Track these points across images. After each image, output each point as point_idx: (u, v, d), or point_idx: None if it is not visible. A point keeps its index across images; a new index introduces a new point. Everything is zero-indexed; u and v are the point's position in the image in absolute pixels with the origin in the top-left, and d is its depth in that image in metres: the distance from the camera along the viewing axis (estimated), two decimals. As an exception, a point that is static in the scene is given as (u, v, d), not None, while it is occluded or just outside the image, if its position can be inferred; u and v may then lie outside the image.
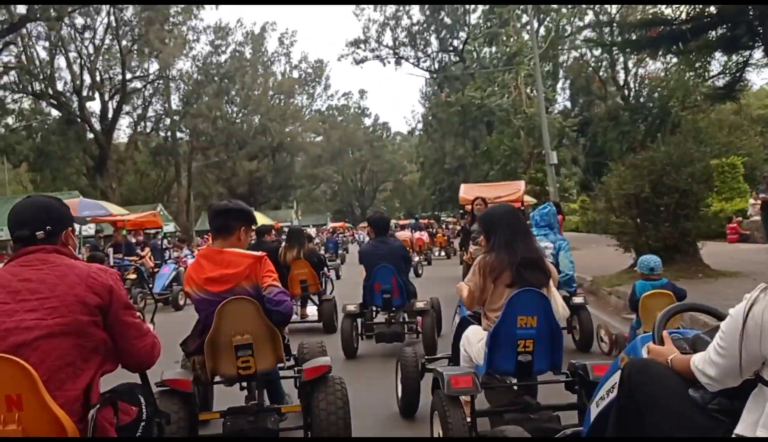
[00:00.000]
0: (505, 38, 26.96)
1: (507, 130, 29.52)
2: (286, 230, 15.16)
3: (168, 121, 48.85)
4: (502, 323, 3.37)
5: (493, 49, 33.71)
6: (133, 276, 12.93)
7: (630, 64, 31.94)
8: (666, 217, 11.02)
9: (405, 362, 4.46)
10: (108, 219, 15.92)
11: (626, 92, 31.52)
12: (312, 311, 9.02)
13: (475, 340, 3.68)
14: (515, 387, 3.66)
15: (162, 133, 49.78)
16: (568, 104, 36.39)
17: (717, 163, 23.10)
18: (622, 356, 2.59)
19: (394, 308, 6.94)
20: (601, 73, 33.43)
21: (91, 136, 42.01)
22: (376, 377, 5.95)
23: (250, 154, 55.69)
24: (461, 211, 13.09)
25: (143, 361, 2.52)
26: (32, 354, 2.11)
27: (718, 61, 29.10)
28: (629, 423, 2.24)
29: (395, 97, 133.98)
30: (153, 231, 18.97)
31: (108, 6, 39.21)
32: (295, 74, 62.59)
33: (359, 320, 7.14)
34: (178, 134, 50.25)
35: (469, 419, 3.34)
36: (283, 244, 9.09)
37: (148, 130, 48.99)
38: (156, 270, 14.38)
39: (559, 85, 35.11)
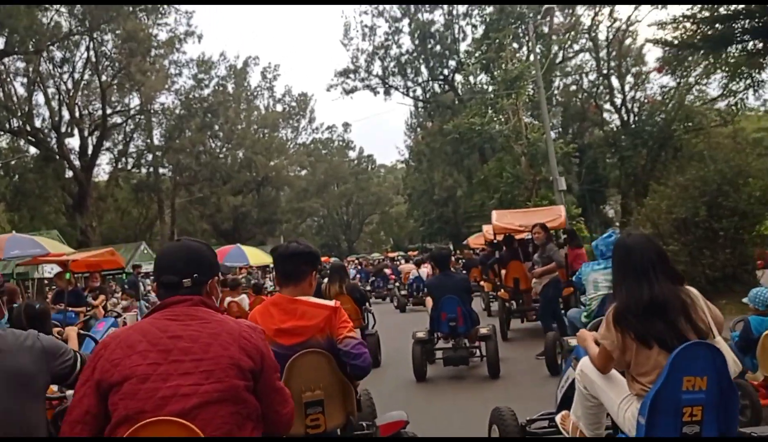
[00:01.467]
0: (504, 64, 26.13)
1: (506, 158, 28.55)
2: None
3: (150, 156, 47.45)
4: (663, 389, 2.68)
5: (487, 75, 32.97)
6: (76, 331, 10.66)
7: (627, 88, 31.30)
8: (725, 243, 9.96)
9: (504, 423, 4.11)
10: (49, 259, 12.86)
11: (625, 117, 30.80)
12: None
13: (615, 397, 3.04)
14: None
15: (144, 169, 48.30)
16: (560, 130, 35.65)
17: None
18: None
19: (458, 335, 7.77)
20: (595, 99, 32.73)
21: (70, 173, 40.48)
22: (448, 405, 6.79)
23: (234, 189, 54.31)
24: (484, 244, 11.92)
25: (284, 429, 2.39)
26: (192, 424, 1.98)
27: (717, 83, 28.88)
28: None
29: (378, 129, 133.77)
30: (113, 272, 16.94)
31: (87, 40, 38.13)
32: (279, 108, 61.96)
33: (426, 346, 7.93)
34: (161, 170, 48.84)
35: None
36: (325, 279, 9.18)
37: (129, 167, 47.48)
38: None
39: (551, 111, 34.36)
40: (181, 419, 1.94)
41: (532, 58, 29.40)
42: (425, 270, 17.30)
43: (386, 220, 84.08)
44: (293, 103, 64.33)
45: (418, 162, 58.67)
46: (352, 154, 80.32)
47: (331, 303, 3.33)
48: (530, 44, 29.49)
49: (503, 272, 10.85)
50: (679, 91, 28.50)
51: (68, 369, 2.37)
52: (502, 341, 9.30)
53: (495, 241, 11.37)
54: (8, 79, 37.04)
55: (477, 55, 28.98)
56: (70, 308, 10.80)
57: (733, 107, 25.42)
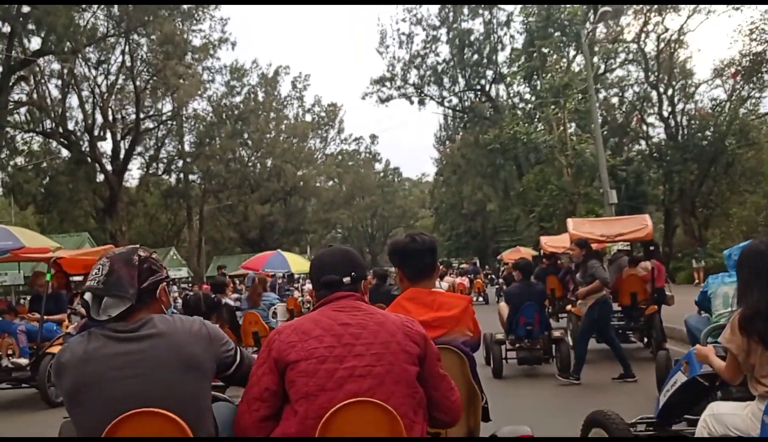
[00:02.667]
0: (549, 73, 25.30)
1: (547, 169, 27.66)
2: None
3: (180, 162, 47.26)
4: None
5: (530, 85, 32.16)
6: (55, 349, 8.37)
7: (675, 101, 30.21)
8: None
9: (613, 424, 3.95)
10: (30, 256, 9.79)
11: (673, 130, 29.69)
12: None
13: (738, 408, 3.19)
14: None
15: (174, 175, 48.13)
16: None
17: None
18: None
19: (534, 338, 8.73)
20: (640, 111, 31.65)
21: (101, 177, 40.32)
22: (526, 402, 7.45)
23: (262, 198, 53.94)
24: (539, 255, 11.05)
25: (455, 417, 2.43)
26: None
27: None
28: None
29: (404, 142, 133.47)
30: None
31: (123, 43, 38.05)
32: (308, 118, 61.62)
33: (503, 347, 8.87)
34: (191, 176, 48.61)
35: None
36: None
37: (159, 172, 47.32)
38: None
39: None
40: (372, 399, 2.01)
41: (575, 67, 28.75)
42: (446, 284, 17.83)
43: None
44: (322, 114, 64.02)
45: (449, 175, 57.96)
46: (379, 167, 79.83)
47: (466, 296, 3.31)
48: (572, 54, 28.73)
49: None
50: (732, 103, 27.46)
51: (231, 359, 2.38)
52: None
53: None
54: (43, 80, 37.04)
55: (520, 63, 28.15)
56: (48, 317, 9.04)
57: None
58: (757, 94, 26.73)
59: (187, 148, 47.92)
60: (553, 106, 24.86)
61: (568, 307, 10.84)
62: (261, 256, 19.86)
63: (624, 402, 5.67)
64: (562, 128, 24.81)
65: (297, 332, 2.24)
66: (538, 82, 27.52)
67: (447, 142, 69.56)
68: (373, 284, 9.48)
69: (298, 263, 19.48)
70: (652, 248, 9.51)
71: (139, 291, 2.23)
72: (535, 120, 27.76)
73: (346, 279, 2.38)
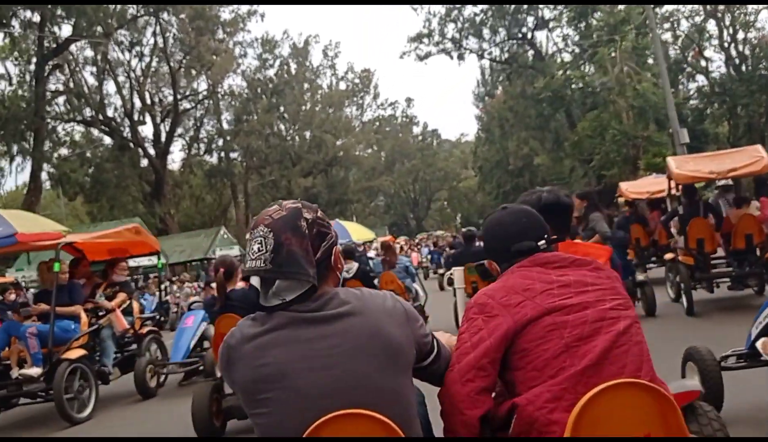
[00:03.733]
0: (599, 12, 23.75)
1: (604, 115, 26.20)
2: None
3: (221, 141, 46.97)
4: None
5: (576, 29, 30.52)
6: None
7: (731, 30, 28.23)
8: None
9: (702, 360, 4.25)
10: (37, 245, 7.84)
11: (736, 61, 27.80)
12: None
13: None
14: None
15: (215, 154, 47.90)
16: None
17: None
18: None
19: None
20: (698, 44, 29.72)
21: (145, 162, 40.21)
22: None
23: (304, 171, 53.57)
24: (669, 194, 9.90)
25: None
26: (631, 348, 1.90)
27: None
28: None
29: (441, 104, 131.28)
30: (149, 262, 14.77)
31: (154, 24, 37.54)
32: (342, 86, 60.81)
33: None
34: (232, 154, 48.32)
35: None
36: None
37: (201, 152, 47.13)
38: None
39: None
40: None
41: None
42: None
43: (454, 195, 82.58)
44: (356, 80, 63.13)
45: (492, 131, 56.45)
46: (416, 130, 78.79)
47: (606, 246, 3.33)
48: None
49: (673, 231, 8.98)
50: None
51: (429, 345, 1.96)
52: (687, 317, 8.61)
53: (672, 193, 9.39)
54: (78, 68, 36.80)
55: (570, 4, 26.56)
56: (59, 309, 7.39)
57: None
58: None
59: (225, 126, 47.62)
60: (607, 47, 23.38)
61: (668, 255, 9.83)
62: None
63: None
64: (618, 69, 23.30)
65: (515, 291, 1.98)
66: (586, 22, 25.97)
67: (486, 98, 67.92)
68: (463, 246, 10.09)
69: (358, 231, 19.16)
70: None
71: (316, 265, 1.80)
72: (585, 63, 26.23)
73: (542, 243, 2.12)
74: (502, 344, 1.92)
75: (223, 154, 47.38)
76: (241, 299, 5.47)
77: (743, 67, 27.62)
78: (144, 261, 26.46)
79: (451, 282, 8.45)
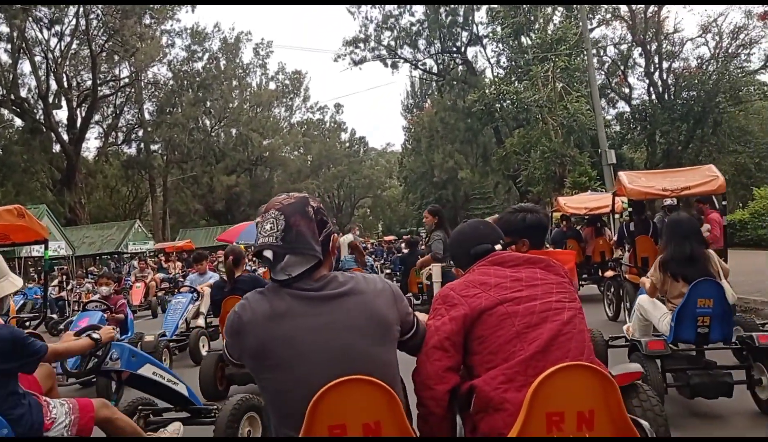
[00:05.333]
0: (536, 30, 24.10)
1: (532, 132, 26.61)
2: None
3: (141, 132, 44.99)
4: (685, 304, 4.58)
5: (505, 46, 31.01)
6: None
7: (656, 59, 29.38)
8: None
9: (594, 340, 5.46)
10: None
11: (660, 89, 28.88)
12: None
13: (658, 314, 4.99)
14: (695, 352, 4.78)
15: (134, 145, 45.85)
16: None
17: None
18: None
19: None
20: (623, 71, 30.74)
21: (57, 147, 37.95)
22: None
23: (228, 169, 52.12)
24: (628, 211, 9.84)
25: None
26: (574, 335, 2.14)
27: (762, 50, 27.32)
28: None
29: (369, 112, 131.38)
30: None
31: (77, 5, 35.54)
32: (272, 86, 59.89)
33: None
34: (152, 146, 46.35)
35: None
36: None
37: (119, 142, 44.97)
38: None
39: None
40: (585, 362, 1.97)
41: (556, 23, 27.61)
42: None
43: (378, 203, 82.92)
44: (287, 82, 62.33)
45: (419, 142, 56.82)
46: (344, 137, 78.68)
47: (571, 251, 4.71)
48: (550, 11, 27.57)
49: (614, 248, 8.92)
50: (722, 59, 26.78)
51: (411, 321, 2.24)
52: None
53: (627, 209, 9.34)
54: (-9, 44, 34.45)
55: (503, 20, 26.84)
56: None
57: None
58: (745, 51, 26.07)
59: (147, 116, 45.71)
60: (541, 64, 23.76)
61: (608, 273, 9.76)
62: (237, 227, 18.64)
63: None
64: (551, 87, 23.71)
65: (474, 285, 2.26)
66: (523, 39, 26.35)
67: (415, 110, 68.41)
68: (405, 252, 11.33)
69: None
70: (724, 202, 8.35)
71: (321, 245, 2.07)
72: (517, 80, 26.57)
73: (498, 247, 2.41)
74: (461, 328, 2.18)
75: (142, 145, 45.44)
76: (247, 282, 6.20)
77: (666, 96, 28.71)
78: (50, 252, 24.95)
79: (430, 278, 8.30)
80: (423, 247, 8.84)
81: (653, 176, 8.52)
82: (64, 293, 17.60)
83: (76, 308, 16.69)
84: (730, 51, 27.01)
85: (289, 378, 1.95)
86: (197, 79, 47.70)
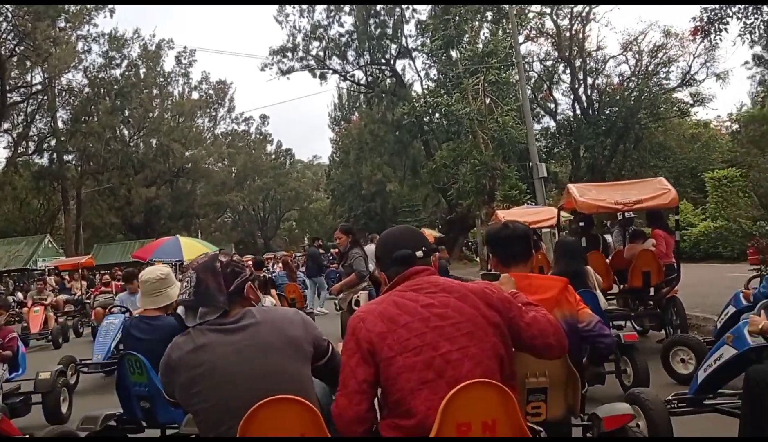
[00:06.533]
0: (466, 43, 24.09)
1: (462, 146, 26.58)
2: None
3: (53, 141, 42.53)
4: None
5: (434, 59, 31.06)
6: None
7: (581, 75, 30.06)
8: None
9: (647, 403, 4.17)
10: None
11: (585, 104, 29.53)
12: None
13: None
14: None
15: (46, 155, 43.27)
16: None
17: (711, 176, 21.37)
18: (728, 335, 4.26)
19: None
20: (549, 86, 31.30)
21: (-41, 156, 35.39)
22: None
23: (147, 180, 50.06)
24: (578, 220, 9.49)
25: (558, 349, 2.46)
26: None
27: (680, 68, 28.37)
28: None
29: (295, 124, 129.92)
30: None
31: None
32: (195, 96, 58.20)
33: None
34: (66, 157, 43.91)
35: None
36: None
37: (30, 151, 42.35)
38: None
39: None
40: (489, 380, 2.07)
41: (485, 37, 27.80)
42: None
43: (305, 216, 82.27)
44: (210, 91, 60.79)
45: (346, 155, 56.47)
46: (270, 148, 77.58)
47: (562, 278, 3.34)
48: (480, 25, 27.78)
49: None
50: (642, 77, 27.60)
51: (325, 347, 2.52)
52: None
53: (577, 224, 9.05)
54: None
55: (433, 33, 26.77)
56: None
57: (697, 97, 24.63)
58: (664, 69, 26.98)
59: (60, 125, 43.31)
60: (471, 78, 23.75)
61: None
62: (153, 243, 17.51)
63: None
64: (480, 100, 23.71)
65: (383, 319, 2.25)
66: (447, 54, 26.32)
67: (342, 123, 68.12)
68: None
69: (195, 250, 16.56)
70: (677, 217, 8.22)
71: (228, 295, 2.38)
72: (447, 92, 26.49)
73: (419, 253, 2.44)
74: (373, 368, 2.22)
75: (55, 155, 42.93)
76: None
77: (590, 111, 29.35)
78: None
79: (358, 303, 7.68)
80: (341, 267, 8.30)
81: (603, 189, 8.30)
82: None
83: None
84: (649, 69, 27.92)
85: (215, 400, 2.22)
86: (115, 86, 45.57)
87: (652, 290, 8.12)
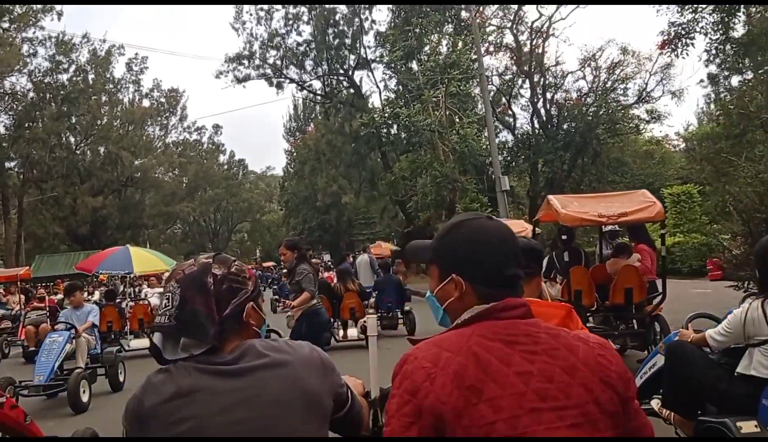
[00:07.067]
0: (428, 54, 23.87)
1: (422, 158, 26.31)
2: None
3: (-6, 147, 40.67)
4: None
5: (391, 70, 30.87)
6: None
7: (539, 90, 30.21)
8: None
9: None
10: None
11: (544, 119, 29.65)
12: (352, 333, 12.13)
13: None
14: None
15: (-14, 162, 41.28)
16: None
17: (670, 192, 21.60)
18: (660, 345, 4.94)
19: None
20: (508, 100, 31.36)
21: None
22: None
23: (94, 189, 48.37)
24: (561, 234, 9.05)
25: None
26: None
27: (637, 85, 28.82)
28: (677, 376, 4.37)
29: (248, 134, 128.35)
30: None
31: None
32: (146, 103, 56.74)
33: None
34: (7, 163, 42.03)
35: None
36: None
37: (-32, 158, 40.39)
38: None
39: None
40: None
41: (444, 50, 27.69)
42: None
43: (257, 228, 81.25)
44: (162, 99, 59.37)
45: (301, 166, 55.83)
46: (222, 159, 76.35)
47: (566, 304, 2.83)
48: (452, 36, 27.68)
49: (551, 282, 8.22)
50: (600, 93, 27.86)
51: (345, 394, 1.92)
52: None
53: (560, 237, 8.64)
54: None
55: (395, 44, 26.49)
56: None
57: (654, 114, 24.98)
58: (621, 85, 27.30)
59: (2, 130, 41.48)
60: (433, 89, 23.52)
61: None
62: (99, 254, 16.39)
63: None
64: (441, 112, 23.48)
65: (460, 384, 1.48)
66: (414, 64, 26.09)
67: (297, 134, 67.45)
68: (381, 277, 14.78)
69: (147, 262, 15.42)
70: (663, 230, 7.91)
71: (221, 322, 1.71)
72: (402, 105, 26.22)
73: (524, 278, 1.70)
74: (431, 432, 1.50)
75: (-5, 161, 41.01)
76: None
77: (548, 126, 29.49)
78: None
79: (364, 330, 7.15)
80: (288, 285, 7.92)
81: (586, 201, 7.97)
82: None
83: None
84: (607, 85, 28.23)
85: None
86: (62, 92, 43.92)
87: (633, 307, 7.80)
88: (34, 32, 38.32)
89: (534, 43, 28.84)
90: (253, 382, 1.66)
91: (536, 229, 9.26)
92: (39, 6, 35.92)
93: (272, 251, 72.89)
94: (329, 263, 33.02)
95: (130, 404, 1.73)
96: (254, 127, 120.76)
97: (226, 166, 76.32)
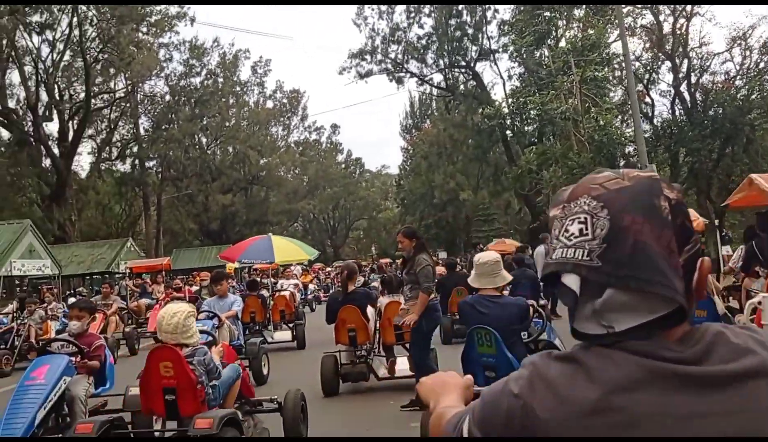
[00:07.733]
0: (560, 38, 22.75)
1: (552, 148, 25.11)
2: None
3: (136, 147, 43.34)
4: None
5: (517, 58, 29.75)
6: None
7: (684, 73, 28.00)
8: None
9: None
10: None
11: (689, 104, 27.53)
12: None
13: None
14: None
15: (129, 161, 44.11)
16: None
17: None
18: None
19: None
20: (646, 86, 29.27)
21: (47, 162, 36.19)
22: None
23: (224, 187, 50.57)
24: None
25: None
26: None
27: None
28: None
29: (364, 134, 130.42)
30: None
31: (70, 14, 33.97)
32: (270, 105, 58.84)
33: None
34: (147, 163, 44.72)
35: None
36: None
37: (113, 157, 43.28)
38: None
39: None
40: None
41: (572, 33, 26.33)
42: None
43: (373, 226, 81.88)
44: (284, 100, 61.35)
45: (418, 163, 55.66)
46: (340, 158, 77.98)
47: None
48: (586, 18, 26.25)
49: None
50: (755, 74, 25.50)
51: None
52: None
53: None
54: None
55: (525, 29, 25.47)
56: None
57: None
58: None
59: (142, 132, 44.12)
60: (567, 74, 22.35)
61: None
62: (240, 244, 16.42)
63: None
64: (576, 99, 22.24)
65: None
66: (545, 50, 25.00)
67: (414, 131, 67.39)
68: (444, 275, 12.63)
69: (288, 251, 15.17)
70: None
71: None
72: (534, 92, 25.09)
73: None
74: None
75: (137, 161, 43.71)
76: (361, 296, 7.73)
77: (693, 112, 27.35)
78: (33, 270, 22.96)
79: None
80: (404, 275, 7.02)
81: None
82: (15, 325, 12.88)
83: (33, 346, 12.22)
84: (760, 66, 25.82)
85: None
86: (195, 94, 46.25)
87: None
88: (169, 37, 40.41)
89: (676, 23, 26.82)
90: (746, 402, 0.91)
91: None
92: (174, 11, 37.81)
93: (387, 249, 73.37)
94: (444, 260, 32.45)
95: (498, 402, 1.05)
96: (369, 126, 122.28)
97: (343, 165, 77.80)
